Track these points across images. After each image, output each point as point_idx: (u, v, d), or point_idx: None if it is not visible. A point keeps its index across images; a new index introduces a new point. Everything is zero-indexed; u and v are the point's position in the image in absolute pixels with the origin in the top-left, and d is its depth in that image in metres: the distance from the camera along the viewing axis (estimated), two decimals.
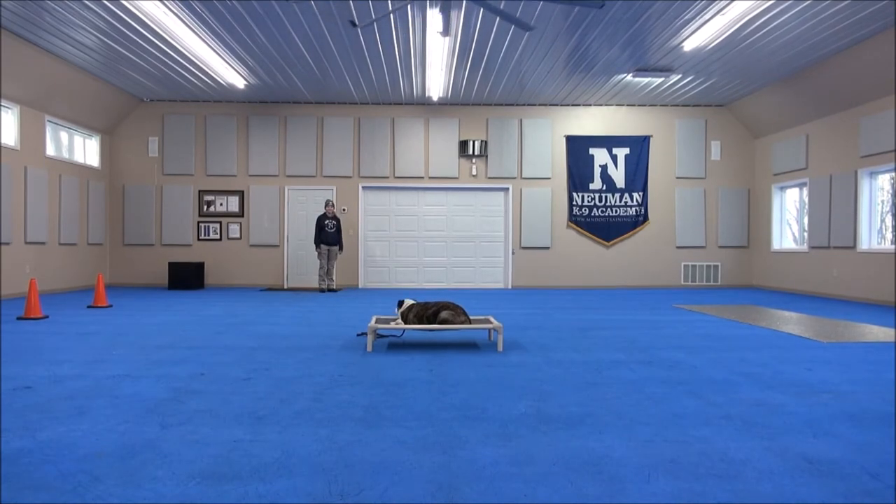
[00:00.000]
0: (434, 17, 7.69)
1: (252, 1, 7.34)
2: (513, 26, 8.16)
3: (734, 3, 7.28)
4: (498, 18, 7.88)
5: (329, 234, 11.23)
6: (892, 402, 3.39)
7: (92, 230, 11.68)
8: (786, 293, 11.26)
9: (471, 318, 5.48)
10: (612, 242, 12.63)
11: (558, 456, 2.49)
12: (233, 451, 2.52)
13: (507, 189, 12.64)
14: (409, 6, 7.41)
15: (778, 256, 11.91)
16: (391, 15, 7.72)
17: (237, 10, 7.63)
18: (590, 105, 12.58)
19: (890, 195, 9.41)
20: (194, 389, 3.60)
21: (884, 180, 9.54)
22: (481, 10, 7.57)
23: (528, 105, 12.57)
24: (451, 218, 12.71)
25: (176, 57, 9.44)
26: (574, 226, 12.62)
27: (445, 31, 6.79)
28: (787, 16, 7.65)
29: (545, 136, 12.59)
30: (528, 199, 12.58)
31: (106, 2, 7.30)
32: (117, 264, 12.38)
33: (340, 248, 11.43)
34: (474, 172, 12.58)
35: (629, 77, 10.51)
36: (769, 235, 12.21)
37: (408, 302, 5.37)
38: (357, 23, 6.87)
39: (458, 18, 7.92)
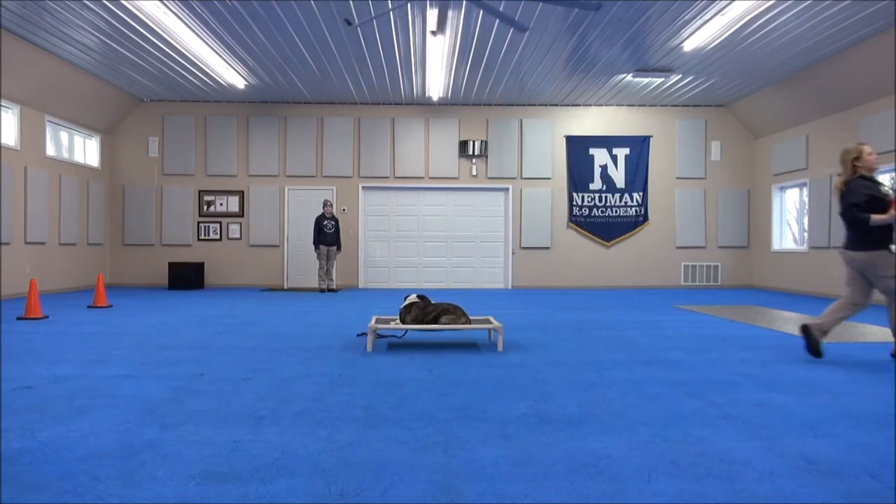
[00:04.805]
0: (432, 16, 7.69)
1: (252, 1, 7.34)
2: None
3: (734, 3, 7.28)
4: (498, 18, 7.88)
5: (328, 234, 11.23)
6: (891, 402, 3.39)
7: (92, 230, 11.68)
8: (786, 293, 11.26)
9: (471, 318, 5.48)
10: (612, 242, 12.63)
11: (558, 456, 2.49)
12: (233, 451, 2.52)
13: (507, 189, 12.64)
14: (408, 5, 7.41)
15: (778, 256, 11.91)
16: (391, 14, 7.72)
17: (237, 10, 7.63)
18: (590, 105, 12.58)
19: None
20: (194, 389, 3.60)
21: (884, 180, 9.54)
22: (481, 10, 7.57)
23: (528, 105, 12.57)
24: (451, 218, 12.71)
25: (176, 57, 9.44)
26: (574, 226, 12.61)
27: (439, 30, 6.77)
28: (787, 16, 7.65)
29: (545, 137, 12.59)
30: (528, 199, 12.58)
31: (106, 2, 7.30)
32: (117, 264, 12.38)
33: (339, 249, 11.42)
34: (474, 173, 12.58)
35: (629, 77, 10.51)
36: (769, 236, 12.21)
37: (411, 298, 5.36)
38: (353, 21, 6.84)
39: (458, 18, 7.93)
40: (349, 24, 6.47)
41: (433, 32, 6.55)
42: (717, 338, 5.76)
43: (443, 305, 5.22)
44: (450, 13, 7.69)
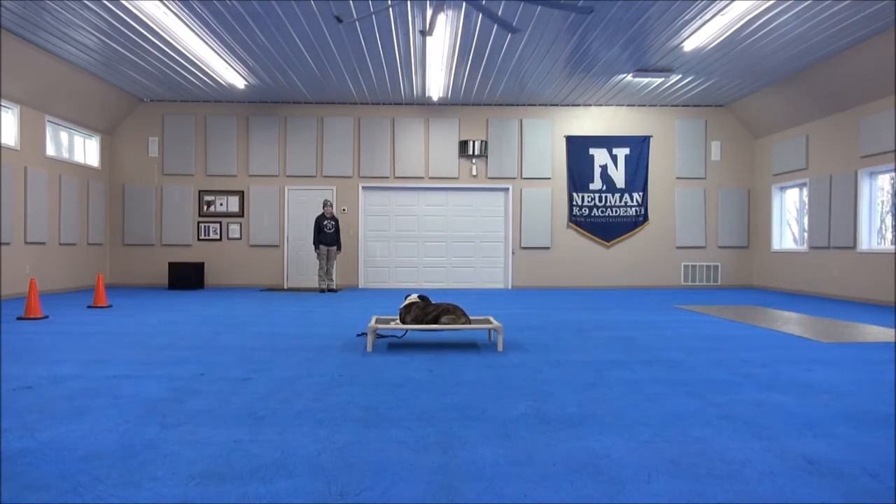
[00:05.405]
0: (423, 15, 7.68)
1: (252, 1, 7.34)
2: (513, 24, 8.15)
3: (734, 3, 7.28)
4: (499, 16, 7.88)
5: (328, 234, 11.23)
6: (891, 402, 3.39)
7: (92, 230, 11.68)
8: (786, 293, 11.26)
9: (471, 318, 5.48)
10: (612, 243, 12.63)
11: (558, 456, 2.49)
12: (233, 451, 2.52)
13: (508, 189, 12.64)
14: (409, 5, 7.41)
15: (778, 256, 11.91)
16: (390, 14, 7.72)
17: (237, 10, 7.63)
18: (590, 105, 12.58)
19: (890, 195, 9.41)
20: (194, 389, 3.60)
21: (884, 180, 9.54)
22: (476, 10, 7.56)
23: (528, 105, 12.57)
24: (451, 218, 12.71)
25: (176, 57, 9.44)
26: (574, 226, 12.62)
27: (430, 31, 6.74)
28: (787, 16, 7.65)
29: (545, 137, 12.59)
30: (528, 199, 12.58)
31: (106, 2, 7.30)
32: (117, 264, 12.38)
33: (339, 249, 11.42)
34: (474, 173, 12.58)
35: (629, 77, 10.51)
36: (769, 235, 12.22)
37: (411, 298, 5.36)
38: (343, 19, 6.81)
39: (458, 18, 7.93)
40: (339, 21, 6.42)
41: (422, 32, 6.53)
42: (717, 338, 5.76)
43: (443, 305, 5.22)
44: (443, 15, 7.68)
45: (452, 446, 2.60)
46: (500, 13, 7.66)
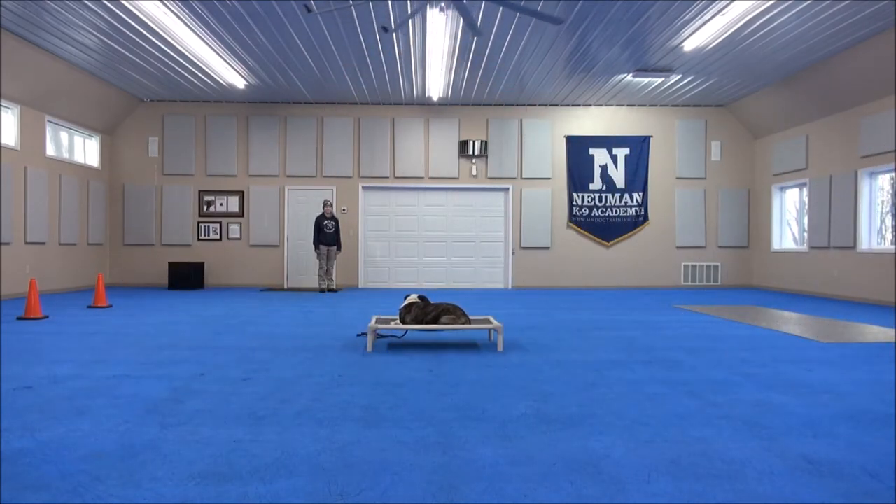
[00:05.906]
0: (434, 17, 7.68)
1: (252, 1, 7.34)
2: (514, 24, 8.15)
3: (734, 3, 7.28)
4: (499, 16, 7.88)
5: (328, 234, 11.23)
6: (891, 402, 3.39)
7: (92, 230, 11.68)
8: (786, 293, 11.26)
9: (471, 318, 5.48)
10: (612, 242, 12.63)
11: (558, 456, 2.49)
12: (233, 451, 2.52)
13: (508, 189, 12.64)
14: (408, 4, 7.41)
15: (778, 257, 11.91)
16: (390, 14, 7.72)
17: (237, 10, 7.63)
18: (590, 105, 12.58)
19: (890, 195, 9.41)
20: (194, 389, 3.60)
21: (884, 180, 9.54)
22: (481, 9, 7.57)
23: (528, 105, 12.57)
24: (451, 218, 12.71)
25: (176, 57, 9.44)
26: (574, 226, 12.61)
27: (394, 29, 6.69)
28: (787, 16, 7.65)
29: (545, 137, 12.59)
30: (528, 199, 12.58)
31: (106, 2, 7.30)
32: (117, 264, 12.38)
33: (339, 249, 11.42)
34: (474, 173, 12.58)
35: (629, 77, 10.51)
36: (769, 236, 12.22)
37: (411, 298, 5.36)
38: (312, 8, 6.69)
39: (458, 18, 7.92)
40: (308, 10, 6.34)
41: (384, 28, 6.46)
42: (717, 338, 5.76)
43: (443, 305, 5.22)
44: (443, 14, 7.68)
45: (452, 446, 2.60)
46: (499, 13, 7.66)
